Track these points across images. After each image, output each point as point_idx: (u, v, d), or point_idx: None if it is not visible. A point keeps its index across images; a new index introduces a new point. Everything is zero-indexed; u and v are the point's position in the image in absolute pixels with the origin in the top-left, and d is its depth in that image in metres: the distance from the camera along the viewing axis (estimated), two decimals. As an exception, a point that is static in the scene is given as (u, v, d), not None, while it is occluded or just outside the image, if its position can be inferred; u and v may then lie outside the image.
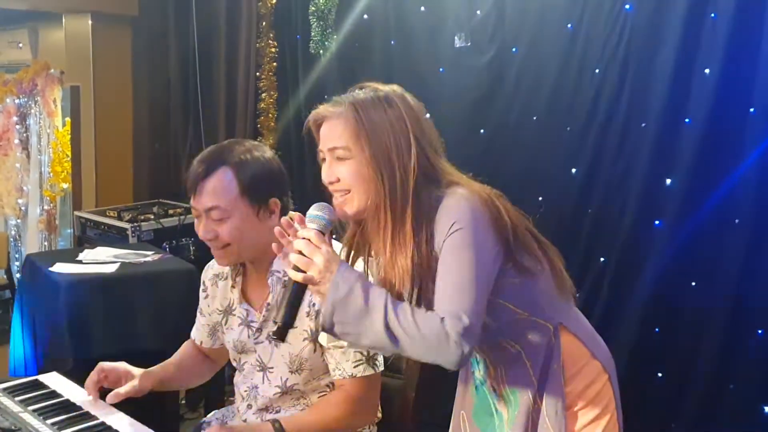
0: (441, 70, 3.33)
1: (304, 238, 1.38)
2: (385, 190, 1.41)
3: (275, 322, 1.40)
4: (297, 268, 1.36)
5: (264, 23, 3.99)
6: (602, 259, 2.89)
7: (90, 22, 4.64)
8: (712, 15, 2.58)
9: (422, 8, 3.37)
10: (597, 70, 2.86)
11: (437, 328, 1.31)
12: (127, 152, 4.81)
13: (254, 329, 1.84)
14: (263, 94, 4.02)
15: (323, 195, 1.50)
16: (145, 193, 4.78)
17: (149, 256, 3.00)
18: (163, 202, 4.45)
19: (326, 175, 1.48)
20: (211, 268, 1.97)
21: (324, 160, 1.49)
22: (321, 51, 3.59)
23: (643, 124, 2.74)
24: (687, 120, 2.64)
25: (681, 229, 2.67)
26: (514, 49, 3.10)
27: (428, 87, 3.35)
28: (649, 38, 2.70)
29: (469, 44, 3.22)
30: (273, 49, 3.98)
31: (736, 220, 2.57)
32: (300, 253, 1.37)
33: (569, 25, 2.93)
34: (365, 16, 3.57)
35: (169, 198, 4.52)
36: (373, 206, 1.44)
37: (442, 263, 1.37)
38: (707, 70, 2.58)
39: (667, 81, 2.66)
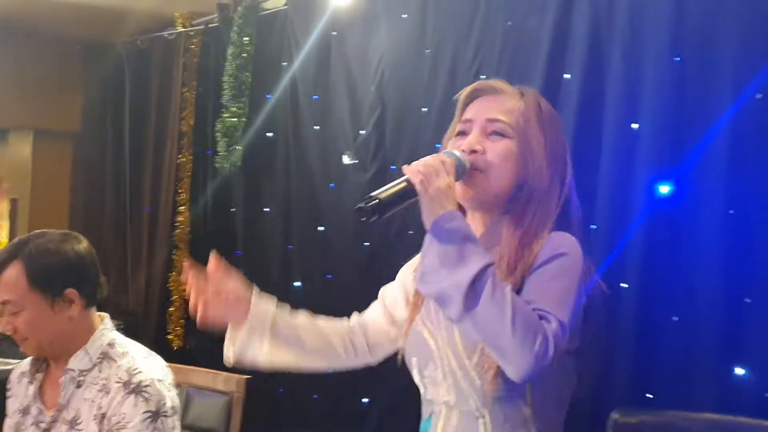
0: (331, 185, 3.47)
1: (440, 159, 1.28)
2: (550, 185, 1.35)
3: (371, 198, 1.28)
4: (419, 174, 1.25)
5: (185, 140, 4.18)
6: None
7: (32, 138, 4.85)
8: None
9: (316, 127, 3.54)
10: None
11: (534, 321, 1.14)
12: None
13: (42, 430, 1.80)
14: (181, 207, 4.15)
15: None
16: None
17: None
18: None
19: (470, 144, 1.37)
20: (19, 367, 1.96)
21: (463, 133, 1.41)
22: (225, 165, 3.74)
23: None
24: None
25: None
26: (393, 167, 3.23)
27: (321, 200, 3.50)
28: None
29: (356, 162, 3.36)
30: (191, 165, 4.15)
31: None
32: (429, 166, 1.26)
33: (438, 145, 3.06)
34: (269, 134, 3.75)
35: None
36: (523, 197, 1.35)
37: (547, 273, 1.24)
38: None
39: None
